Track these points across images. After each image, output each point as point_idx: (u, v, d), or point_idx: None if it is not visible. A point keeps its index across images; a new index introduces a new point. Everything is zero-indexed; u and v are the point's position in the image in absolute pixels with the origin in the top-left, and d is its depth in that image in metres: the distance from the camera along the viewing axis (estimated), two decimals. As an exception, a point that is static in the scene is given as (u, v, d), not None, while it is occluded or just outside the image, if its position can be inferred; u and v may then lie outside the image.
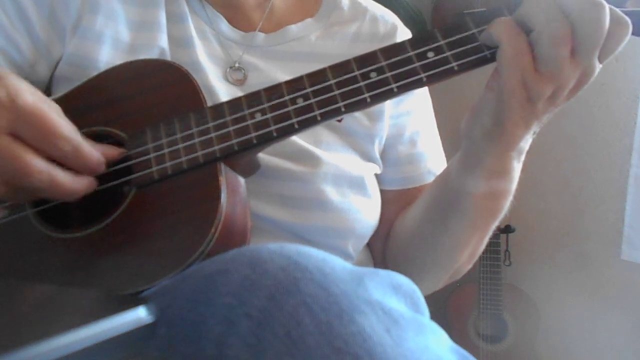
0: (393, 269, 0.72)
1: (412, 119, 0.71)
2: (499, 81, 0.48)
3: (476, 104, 0.52)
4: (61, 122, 0.45)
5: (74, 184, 0.46)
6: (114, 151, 0.50)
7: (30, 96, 0.44)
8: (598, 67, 0.47)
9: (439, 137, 0.76)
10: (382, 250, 0.73)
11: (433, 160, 0.73)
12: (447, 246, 0.64)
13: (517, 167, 0.55)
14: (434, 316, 0.40)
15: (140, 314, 0.35)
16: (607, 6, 0.44)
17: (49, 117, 0.44)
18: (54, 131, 0.44)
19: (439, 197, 0.62)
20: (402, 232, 0.69)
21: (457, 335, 1.78)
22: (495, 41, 0.47)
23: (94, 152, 0.47)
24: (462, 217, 0.60)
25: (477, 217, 0.60)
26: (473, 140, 0.53)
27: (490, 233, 0.63)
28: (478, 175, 0.55)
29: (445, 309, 1.82)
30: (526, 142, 0.53)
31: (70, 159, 0.45)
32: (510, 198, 0.58)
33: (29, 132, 0.43)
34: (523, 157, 0.55)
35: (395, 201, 0.71)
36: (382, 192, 0.70)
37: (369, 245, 0.74)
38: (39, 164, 0.43)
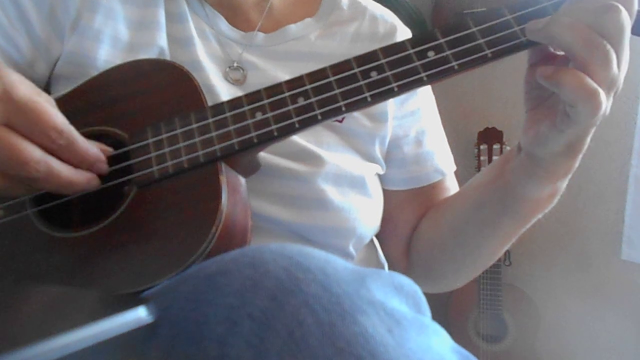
0: (420, 270, 0.73)
1: (417, 119, 0.71)
2: (570, 125, 0.46)
3: (540, 136, 0.49)
4: (56, 115, 0.45)
5: (72, 175, 0.46)
6: (106, 148, 0.50)
7: (25, 89, 0.44)
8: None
9: (444, 135, 0.76)
10: (403, 251, 0.74)
11: (440, 158, 0.73)
12: (494, 244, 0.65)
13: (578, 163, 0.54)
14: (434, 316, 0.40)
15: (140, 314, 0.35)
16: (621, 8, 0.43)
17: (44, 109, 0.44)
18: (48, 123, 0.44)
19: (492, 201, 0.61)
20: (438, 235, 0.69)
21: (457, 335, 1.78)
22: (568, 96, 0.44)
23: (90, 147, 0.47)
24: (518, 216, 0.59)
25: (531, 215, 0.59)
26: (542, 159, 0.51)
27: None
28: (546, 183, 0.54)
29: (446, 309, 1.82)
30: None
31: (65, 151, 0.45)
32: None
33: (24, 124, 0.43)
34: None
35: (409, 201, 0.72)
36: (393, 193, 0.71)
37: (385, 247, 0.75)
38: (35, 153, 0.43)
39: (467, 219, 0.65)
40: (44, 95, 0.46)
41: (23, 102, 0.43)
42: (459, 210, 0.67)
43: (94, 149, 0.48)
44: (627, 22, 0.43)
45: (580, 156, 0.51)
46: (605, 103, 0.44)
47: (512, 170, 0.56)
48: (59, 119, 0.45)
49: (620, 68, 0.45)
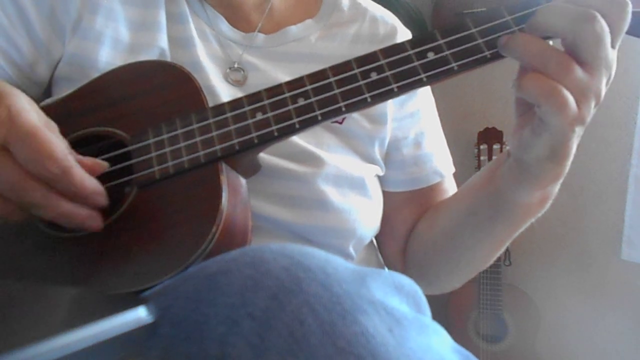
0: (415, 270, 0.73)
1: (416, 121, 0.72)
2: (544, 128, 0.47)
3: (522, 141, 0.50)
4: (56, 144, 0.44)
5: (71, 207, 0.45)
6: (99, 165, 0.48)
7: (31, 116, 0.44)
8: (614, 53, 0.47)
9: (443, 137, 0.76)
10: (400, 251, 0.74)
11: (439, 160, 0.73)
12: (487, 248, 0.65)
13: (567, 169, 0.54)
14: (434, 316, 0.40)
15: (140, 314, 0.35)
16: (598, 18, 0.44)
17: (45, 138, 0.43)
18: (45, 152, 0.43)
19: (483, 205, 0.61)
20: (433, 236, 0.70)
21: (457, 335, 1.78)
22: (531, 97, 0.45)
23: (88, 179, 0.46)
24: (510, 221, 0.60)
25: (523, 219, 0.60)
26: (529, 164, 0.51)
27: None
28: (535, 188, 0.54)
29: (446, 309, 1.82)
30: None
31: (60, 181, 0.44)
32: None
33: (22, 151, 0.43)
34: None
35: (408, 203, 0.72)
36: (391, 194, 0.71)
37: (382, 247, 0.75)
38: (30, 180, 0.43)
39: (461, 222, 0.65)
40: (52, 124, 0.46)
41: (25, 130, 0.43)
42: (454, 213, 0.67)
43: (91, 181, 0.46)
44: (604, 31, 0.44)
45: (568, 163, 0.51)
46: (573, 104, 0.44)
47: (501, 175, 0.56)
48: (58, 148, 0.44)
49: (596, 76, 0.45)
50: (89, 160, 0.47)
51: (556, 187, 0.55)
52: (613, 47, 0.46)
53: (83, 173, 0.45)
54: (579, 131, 0.47)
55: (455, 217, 0.66)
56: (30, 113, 0.44)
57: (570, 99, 0.44)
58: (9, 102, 0.43)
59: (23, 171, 0.43)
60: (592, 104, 0.46)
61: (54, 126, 0.47)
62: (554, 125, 0.46)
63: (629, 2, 0.45)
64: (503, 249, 0.66)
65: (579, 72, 0.44)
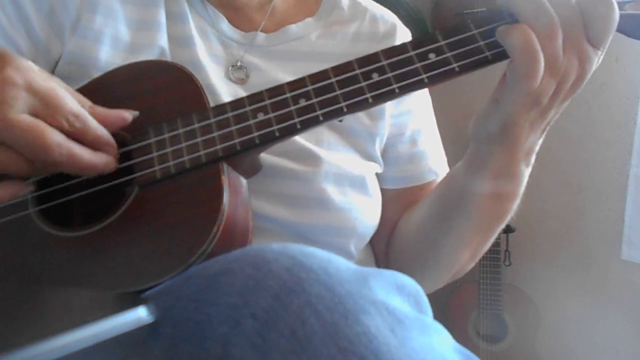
0: (396, 268, 0.72)
1: (412, 118, 0.72)
2: (503, 91, 0.49)
3: (482, 111, 0.52)
4: (72, 100, 0.47)
5: (92, 157, 0.47)
6: (124, 114, 0.51)
7: (43, 77, 0.46)
8: (594, 52, 0.47)
9: (439, 136, 0.76)
10: (385, 250, 0.74)
11: (434, 158, 0.73)
12: (449, 245, 0.65)
13: (523, 171, 0.55)
14: (434, 316, 0.40)
15: (140, 314, 0.35)
16: None
17: (62, 95, 0.46)
18: (65, 108, 0.45)
19: (444, 196, 0.63)
20: (407, 230, 0.70)
21: (458, 335, 1.78)
22: (510, 47, 0.47)
23: (102, 129, 0.49)
24: (466, 217, 0.60)
25: (480, 218, 0.60)
26: (479, 143, 0.53)
27: (494, 236, 0.64)
28: (483, 176, 0.55)
29: (446, 309, 1.82)
30: (534, 144, 0.54)
31: (80, 134, 0.47)
32: (517, 202, 0.58)
33: (46, 111, 0.45)
34: (532, 161, 0.55)
35: (396, 201, 0.72)
36: (383, 191, 0.70)
37: (371, 246, 0.74)
38: (57, 138, 0.45)
39: (428, 216, 0.66)
40: (56, 79, 0.48)
41: (44, 91, 0.45)
42: (424, 207, 0.68)
43: (104, 131, 0.49)
44: (575, 6, 0.45)
45: (518, 155, 0.52)
46: (540, 74, 0.45)
47: (459, 163, 0.58)
48: (75, 104, 0.47)
49: (568, 56, 0.46)
50: (102, 111, 0.50)
51: (507, 186, 0.56)
52: (596, 47, 0.47)
53: (98, 125, 0.48)
54: (533, 116, 0.49)
55: (424, 211, 0.67)
56: (41, 72, 0.46)
57: (542, 67, 0.45)
58: (17, 65, 0.44)
59: (48, 131, 0.44)
60: (554, 86, 0.47)
61: (57, 80, 0.48)
62: (513, 93, 0.47)
63: (614, 3, 0.46)
64: (472, 252, 0.66)
65: (559, 44, 0.45)
